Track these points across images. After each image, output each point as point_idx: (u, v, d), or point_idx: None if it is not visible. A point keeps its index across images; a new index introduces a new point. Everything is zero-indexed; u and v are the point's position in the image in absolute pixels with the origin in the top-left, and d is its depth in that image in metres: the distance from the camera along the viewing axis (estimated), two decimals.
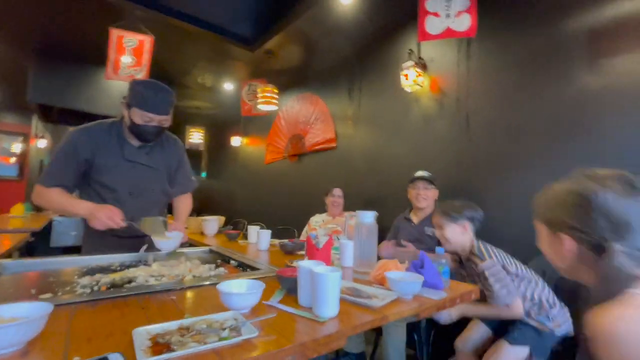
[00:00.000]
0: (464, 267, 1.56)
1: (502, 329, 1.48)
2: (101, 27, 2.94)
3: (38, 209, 4.69)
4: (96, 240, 1.45)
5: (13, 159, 6.72)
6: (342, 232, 2.41)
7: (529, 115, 1.94)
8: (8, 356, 0.57)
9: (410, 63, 2.53)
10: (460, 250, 1.53)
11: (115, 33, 2.84)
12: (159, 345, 0.61)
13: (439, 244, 1.60)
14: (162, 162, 1.56)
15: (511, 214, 1.93)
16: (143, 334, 0.64)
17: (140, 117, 1.35)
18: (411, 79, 2.51)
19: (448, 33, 1.93)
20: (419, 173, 2.02)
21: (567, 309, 1.44)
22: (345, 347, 1.94)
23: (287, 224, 3.46)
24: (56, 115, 4.69)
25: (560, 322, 1.39)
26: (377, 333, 2.06)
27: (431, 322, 1.79)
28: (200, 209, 7.21)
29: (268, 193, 4.65)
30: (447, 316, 1.53)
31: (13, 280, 1.16)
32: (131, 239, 1.47)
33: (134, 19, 2.85)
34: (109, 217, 1.27)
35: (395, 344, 1.59)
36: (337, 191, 2.62)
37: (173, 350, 0.58)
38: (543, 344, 1.37)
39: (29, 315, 0.62)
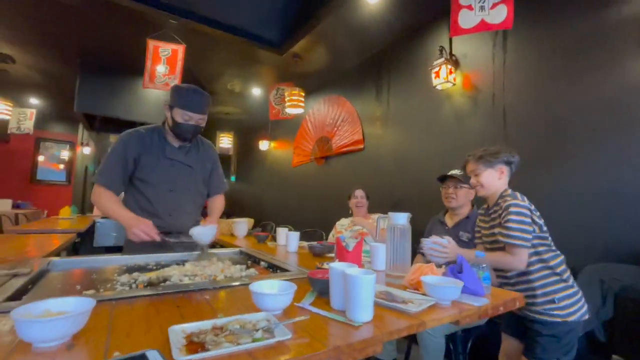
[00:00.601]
0: (485, 216, 1.49)
1: (523, 337, 1.40)
2: (137, 39, 3.11)
3: (89, 210, 5.03)
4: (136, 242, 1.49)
5: (62, 166, 7.28)
6: (368, 234, 2.35)
7: (571, 109, 1.80)
8: (55, 348, 0.59)
9: (441, 60, 2.45)
10: (492, 196, 1.45)
11: (152, 44, 3.00)
12: (194, 344, 0.60)
13: (467, 246, 1.52)
14: (199, 162, 1.67)
15: (555, 214, 1.79)
16: (178, 332, 0.65)
17: (181, 116, 1.48)
18: (442, 76, 2.43)
19: (482, 26, 1.84)
20: (452, 172, 1.91)
21: (581, 292, 1.32)
22: (377, 354, 1.89)
23: (315, 226, 3.45)
24: (99, 124, 5.02)
25: (569, 305, 1.28)
26: (409, 341, 1.98)
27: (468, 332, 1.69)
28: (229, 211, 7.41)
29: (295, 196, 4.68)
30: (441, 258, 1.36)
31: (61, 277, 1.23)
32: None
33: (168, 29, 2.98)
34: (144, 231, 1.37)
35: (433, 357, 1.51)
36: (359, 192, 2.57)
37: (208, 350, 0.58)
38: (566, 343, 1.26)
39: (74, 310, 0.65)
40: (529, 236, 1.28)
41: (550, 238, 1.35)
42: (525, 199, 1.36)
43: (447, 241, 1.38)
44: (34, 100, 5.42)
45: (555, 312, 1.27)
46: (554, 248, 1.35)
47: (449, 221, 1.91)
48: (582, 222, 1.73)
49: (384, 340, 0.72)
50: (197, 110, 1.49)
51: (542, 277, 1.31)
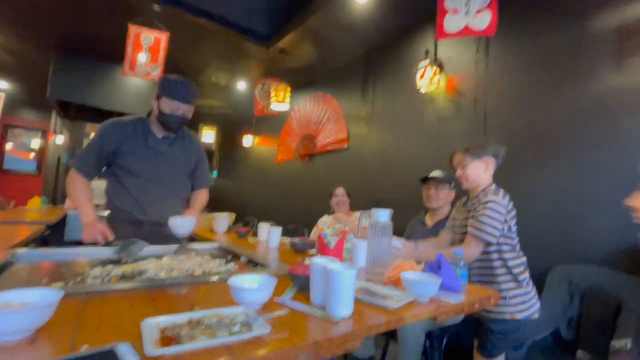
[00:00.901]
0: (463, 207, 1.52)
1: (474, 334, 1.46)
2: (118, 24, 2.98)
3: (61, 201, 4.79)
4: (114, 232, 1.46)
5: (32, 155, 6.91)
6: (349, 233, 2.37)
7: (549, 116, 1.88)
8: (16, 343, 0.56)
9: (426, 62, 2.49)
10: (475, 189, 1.47)
11: (133, 30, 2.89)
12: (168, 338, 0.58)
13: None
14: (183, 155, 1.67)
15: (528, 216, 1.86)
16: (152, 325, 0.62)
17: (168, 105, 1.49)
18: (427, 78, 2.47)
19: (466, 31, 1.88)
20: (433, 173, 1.95)
21: (534, 293, 1.38)
22: (355, 349, 1.90)
23: (297, 224, 3.44)
24: (74, 112, 4.79)
25: (519, 303, 1.33)
26: (386, 337, 2.01)
27: (443, 329, 1.72)
28: (210, 207, 7.28)
29: (278, 193, 4.64)
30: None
31: (26, 269, 1.16)
32: (146, 234, 1.52)
33: (151, 15, 2.88)
34: (101, 231, 1.39)
35: (412, 354, 1.53)
36: (340, 190, 2.59)
37: (182, 344, 0.56)
38: (514, 339, 1.33)
39: (39, 302, 0.61)
40: (496, 232, 1.30)
41: (517, 239, 1.40)
42: (507, 197, 1.39)
43: (402, 244, 1.44)
44: (2, 84, 5.11)
45: (505, 309, 1.33)
46: (517, 249, 1.40)
47: (429, 221, 1.95)
48: (555, 224, 1.80)
49: (363, 335, 0.72)
50: (184, 100, 1.51)
51: (499, 275, 1.36)
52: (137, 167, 1.54)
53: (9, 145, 6.76)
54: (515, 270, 1.35)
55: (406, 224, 2.19)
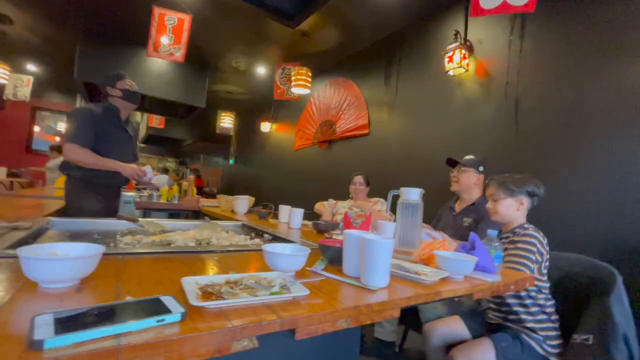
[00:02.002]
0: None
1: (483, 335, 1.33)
2: (143, 6, 2.99)
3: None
4: (79, 199, 1.88)
5: (58, 138, 7.15)
6: (364, 216, 2.34)
7: (588, 99, 1.77)
8: (62, 290, 0.56)
9: (455, 45, 2.39)
10: (507, 225, 1.39)
11: (157, 11, 2.89)
12: (209, 293, 0.58)
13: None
14: (133, 132, 2.08)
15: (562, 204, 1.78)
16: (191, 283, 0.62)
17: (128, 85, 1.93)
18: (455, 61, 2.37)
19: (505, 7, 1.78)
20: (465, 158, 1.88)
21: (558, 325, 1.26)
22: (377, 333, 1.89)
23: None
24: (99, 94, 4.89)
25: (554, 351, 1.22)
26: (405, 327, 1.99)
27: None
28: (227, 194, 7.38)
29: (296, 180, 4.64)
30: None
31: (61, 235, 1.19)
32: (107, 200, 1.97)
33: None
34: (137, 169, 1.85)
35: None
36: (358, 179, 2.55)
37: (224, 299, 0.55)
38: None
39: (83, 253, 0.62)
40: (531, 265, 1.20)
41: (548, 283, 1.28)
42: (541, 233, 1.30)
43: (441, 236, 1.36)
44: (31, 67, 5.25)
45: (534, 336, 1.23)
46: (548, 291, 1.28)
47: (457, 207, 1.89)
48: (588, 213, 1.72)
49: (402, 305, 0.70)
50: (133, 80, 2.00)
51: (533, 313, 1.25)
52: (108, 146, 1.86)
53: (37, 128, 7.01)
54: (548, 310, 1.25)
55: (431, 210, 2.14)
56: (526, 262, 1.19)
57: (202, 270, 0.80)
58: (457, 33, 2.46)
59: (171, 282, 0.65)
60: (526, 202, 1.34)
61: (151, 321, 0.45)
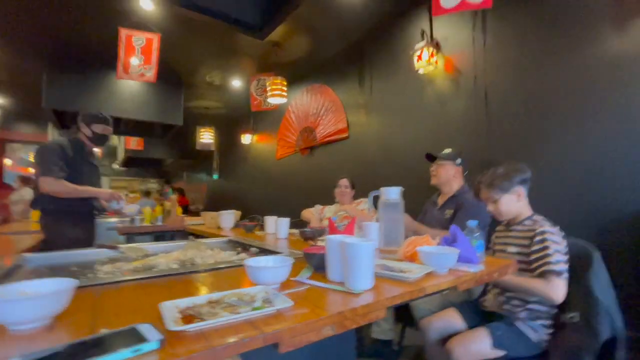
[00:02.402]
0: (506, 231, 1.40)
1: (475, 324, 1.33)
2: (109, 29, 2.95)
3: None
4: (57, 231, 1.91)
5: (31, 169, 6.89)
6: (349, 218, 2.36)
7: (552, 85, 1.85)
8: (34, 331, 0.54)
9: (422, 44, 2.45)
10: (514, 219, 1.37)
11: (124, 32, 2.85)
12: (189, 316, 0.57)
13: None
14: (97, 164, 2.19)
15: (535, 188, 1.84)
16: (171, 307, 0.61)
17: (102, 129, 2.06)
18: (424, 60, 2.44)
19: (463, 5, 1.85)
20: (444, 151, 1.92)
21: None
22: (374, 333, 1.89)
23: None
24: (70, 120, 4.75)
25: (547, 337, 1.24)
26: (402, 325, 2.00)
27: None
28: (212, 210, 7.26)
29: (281, 188, 4.62)
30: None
31: (36, 272, 1.15)
32: (85, 224, 2.05)
33: (141, 18, 2.85)
34: (115, 193, 2.03)
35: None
36: (343, 182, 2.58)
37: (204, 320, 0.54)
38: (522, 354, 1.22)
39: (53, 290, 0.59)
40: (566, 267, 1.17)
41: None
42: (553, 225, 1.27)
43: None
44: None
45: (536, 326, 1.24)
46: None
47: (440, 200, 1.93)
48: (563, 194, 1.78)
49: (387, 305, 0.71)
50: (110, 124, 2.11)
51: (535, 302, 1.25)
52: (79, 174, 1.93)
53: (7, 161, 6.74)
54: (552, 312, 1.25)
55: (413, 206, 2.17)
56: (563, 265, 1.16)
57: (185, 292, 0.78)
58: (423, 32, 2.52)
59: (151, 309, 0.63)
60: (522, 191, 1.34)
61: (126, 352, 0.44)
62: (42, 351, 0.43)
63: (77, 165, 1.95)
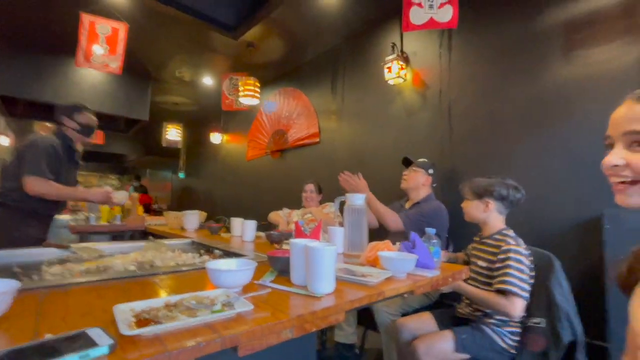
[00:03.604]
0: (479, 244, 1.45)
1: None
2: (69, 12, 2.77)
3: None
4: (9, 225, 1.76)
5: None
6: (314, 221, 2.40)
7: (507, 104, 2.00)
8: None
9: (393, 56, 2.55)
10: (484, 227, 1.42)
11: (87, 18, 2.68)
12: (145, 320, 0.55)
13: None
14: (79, 161, 2.07)
15: None
16: (125, 310, 0.59)
17: (87, 119, 1.96)
18: (394, 72, 2.53)
19: (431, 23, 1.95)
20: (419, 160, 2.03)
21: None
22: (337, 337, 1.91)
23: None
24: (22, 109, 4.38)
25: (515, 344, 1.29)
26: (365, 328, 2.05)
27: (417, 310, 1.78)
28: (178, 209, 6.97)
29: (250, 190, 4.56)
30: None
31: None
32: (42, 224, 1.90)
33: (107, 4, 2.71)
34: (107, 192, 1.96)
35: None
36: (309, 187, 2.63)
37: (161, 324, 0.53)
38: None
39: None
40: (527, 286, 1.21)
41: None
42: (522, 243, 1.31)
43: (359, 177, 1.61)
44: None
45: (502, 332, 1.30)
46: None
47: (407, 205, 2.02)
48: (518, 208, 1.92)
49: (346, 308, 0.73)
50: (92, 112, 2.02)
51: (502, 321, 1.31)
52: (63, 177, 1.86)
53: None
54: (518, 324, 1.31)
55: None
56: (521, 283, 1.19)
57: (141, 295, 0.75)
58: (394, 45, 2.63)
59: (103, 312, 0.61)
60: (493, 205, 1.36)
61: (73, 358, 0.42)
62: None
63: (63, 164, 1.87)
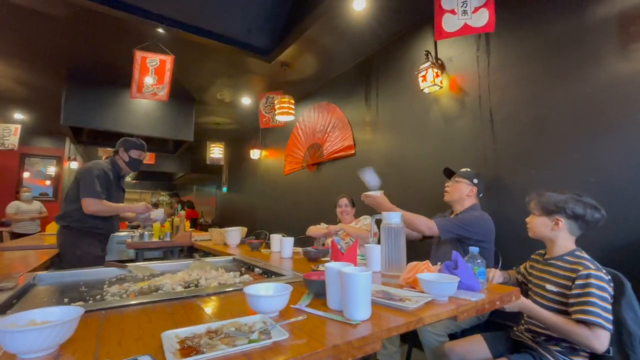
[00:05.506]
0: (541, 264, 1.31)
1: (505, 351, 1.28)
2: (124, 50, 3.09)
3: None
4: (75, 247, 2.03)
5: (48, 182, 7.11)
6: (349, 236, 2.37)
7: (555, 107, 1.84)
8: (42, 359, 0.56)
9: (427, 64, 2.49)
10: (550, 245, 1.29)
11: (139, 54, 2.98)
12: (188, 348, 0.59)
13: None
14: (124, 187, 2.39)
15: None
16: (171, 337, 0.63)
17: (138, 155, 2.27)
18: (429, 80, 2.47)
19: (466, 29, 1.88)
20: (462, 170, 1.95)
21: None
22: (380, 355, 1.86)
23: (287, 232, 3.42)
24: (86, 137, 4.93)
25: None
26: (409, 345, 1.96)
27: (466, 332, 1.68)
28: (222, 222, 7.32)
29: (288, 204, 4.65)
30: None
31: (47, 290, 1.18)
32: (101, 243, 2.17)
33: (155, 40, 2.98)
34: (147, 205, 2.33)
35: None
36: (343, 201, 2.60)
37: (202, 353, 0.56)
38: None
39: (60, 319, 0.62)
40: (611, 317, 1.07)
41: None
42: (601, 267, 1.16)
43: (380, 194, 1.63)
44: (18, 115, 5.30)
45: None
46: None
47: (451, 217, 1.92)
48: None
49: (383, 337, 0.71)
50: (146, 150, 2.35)
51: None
52: (111, 196, 2.13)
53: (26, 174, 6.97)
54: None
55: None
56: (606, 314, 1.06)
57: (186, 320, 0.80)
58: (428, 53, 2.57)
59: (152, 338, 0.65)
60: (563, 223, 1.23)
61: None
62: None
63: (111, 187, 2.16)
